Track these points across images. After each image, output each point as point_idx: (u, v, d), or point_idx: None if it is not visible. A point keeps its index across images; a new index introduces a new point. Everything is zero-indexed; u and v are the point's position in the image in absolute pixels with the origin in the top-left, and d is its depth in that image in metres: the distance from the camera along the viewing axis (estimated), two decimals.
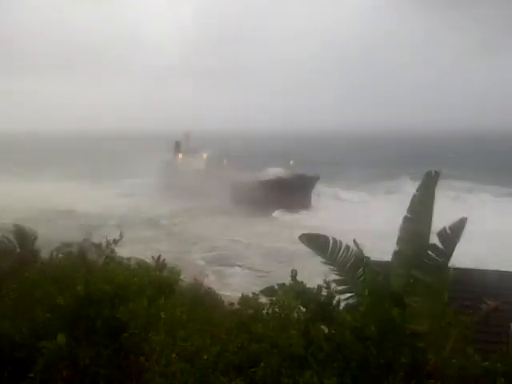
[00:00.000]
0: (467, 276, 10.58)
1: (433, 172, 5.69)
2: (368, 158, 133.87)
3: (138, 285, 5.24)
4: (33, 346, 4.55)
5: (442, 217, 6.09)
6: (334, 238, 5.94)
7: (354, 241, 6.10)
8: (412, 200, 5.67)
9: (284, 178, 69.31)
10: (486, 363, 5.45)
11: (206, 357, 4.64)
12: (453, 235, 5.36)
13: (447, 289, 5.56)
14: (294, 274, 5.47)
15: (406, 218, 5.70)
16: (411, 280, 5.32)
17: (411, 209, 5.66)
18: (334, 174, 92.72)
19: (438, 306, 5.38)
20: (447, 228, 5.40)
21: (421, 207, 5.57)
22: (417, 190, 5.66)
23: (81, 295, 4.93)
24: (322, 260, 5.90)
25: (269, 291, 5.51)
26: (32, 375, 4.24)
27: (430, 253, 5.38)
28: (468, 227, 5.51)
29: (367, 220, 55.42)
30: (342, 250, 5.86)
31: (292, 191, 64.48)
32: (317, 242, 6.03)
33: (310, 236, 6.16)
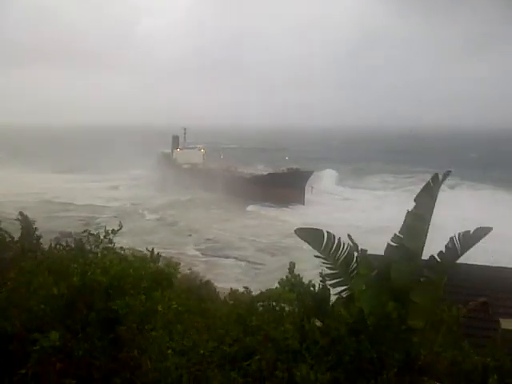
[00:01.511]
0: (457, 270, 10.54)
1: (440, 174, 5.66)
2: (361, 154, 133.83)
3: (133, 276, 5.12)
4: (26, 338, 4.41)
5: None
6: (328, 232, 5.84)
7: (349, 235, 6.01)
8: (417, 196, 5.61)
9: (278, 173, 69.43)
10: (477, 358, 5.39)
11: (202, 351, 4.52)
12: (472, 240, 5.32)
13: (440, 283, 5.50)
14: (291, 267, 5.36)
15: (409, 214, 5.62)
16: (419, 278, 5.22)
17: (416, 205, 5.59)
18: (327, 169, 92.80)
19: (435, 303, 5.31)
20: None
21: (424, 206, 5.51)
22: (423, 189, 5.61)
23: (76, 286, 4.80)
24: (316, 254, 5.79)
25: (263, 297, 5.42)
26: (24, 371, 4.10)
27: (419, 248, 5.32)
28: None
29: (358, 215, 55.44)
30: (335, 244, 5.77)
31: (286, 186, 64.50)
32: (311, 236, 5.94)
33: (305, 230, 6.09)
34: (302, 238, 5.95)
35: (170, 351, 4.28)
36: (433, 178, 5.59)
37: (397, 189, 76.42)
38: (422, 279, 5.24)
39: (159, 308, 4.62)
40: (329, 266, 5.88)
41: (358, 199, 69.41)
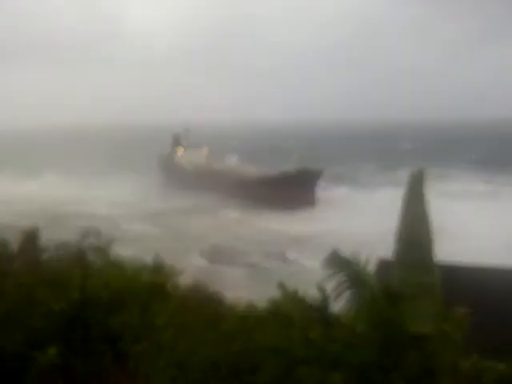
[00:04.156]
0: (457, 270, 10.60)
1: (417, 169, 5.71)
2: (366, 150, 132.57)
3: (134, 289, 5.29)
4: (26, 356, 4.57)
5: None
6: (332, 249, 5.97)
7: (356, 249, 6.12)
8: (402, 199, 5.68)
9: (287, 173, 68.63)
10: (502, 367, 5.46)
11: (200, 362, 4.67)
12: (426, 229, 5.42)
13: (438, 285, 5.57)
14: (281, 286, 5.55)
15: (399, 217, 5.72)
16: (403, 280, 5.37)
17: (402, 207, 5.66)
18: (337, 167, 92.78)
19: (436, 306, 5.42)
20: (418, 223, 5.44)
21: (411, 205, 5.58)
22: (405, 189, 5.67)
23: (76, 301, 4.99)
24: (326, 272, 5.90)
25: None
26: None
27: (416, 252, 5.41)
28: None
29: (372, 217, 54.40)
30: (341, 257, 5.90)
31: (295, 186, 63.70)
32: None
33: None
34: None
35: (162, 364, 4.39)
36: (411, 176, 5.61)
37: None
38: (421, 283, 5.35)
39: (157, 322, 4.76)
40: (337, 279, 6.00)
41: (374, 199, 68.11)
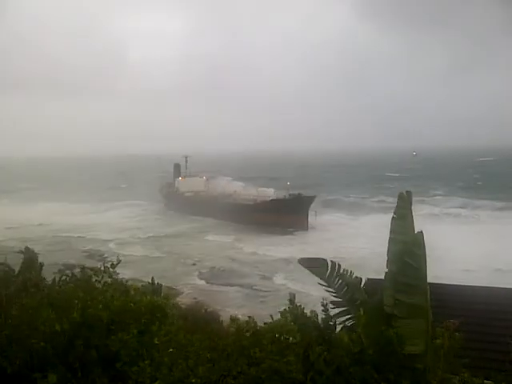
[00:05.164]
0: (443, 291, 10.42)
1: (404, 192, 5.67)
2: (354, 178, 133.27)
3: (134, 311, 5.06)
4: (26, 378, 4.31)
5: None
6: (332, 261, 5.82)
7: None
8: (391, 221, 5.57)
9: (280, 199, 69.15)
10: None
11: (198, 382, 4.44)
12: (419, 251, 5.28)
13: (429, 306, 5.42)
14: (291, 298, 5.32)
15: (390, 239, 5.60)
16: (396, 301, 5.20)
17: (392, 229, 5.56)
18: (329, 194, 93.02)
19: (427, 325, 5.23)
20: (411, 245, 5.31)
21: (400, 227, 5.48)
22: (394, 212, 5.57)
23: (77, 322, 4.74)
24: (321, 282, 5.75)
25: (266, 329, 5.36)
26: None
27: (407, 272, 5.27)
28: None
29: (364, 242, 54.13)
30: (340, 273, 5.73)
31: (288, 211, 64.20)
32: (315, 265, 5.91)
33: (308, 259, 6.08)
34: (305, 268, 5.92)
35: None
36: (400, 198, 5.55)
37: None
38: (396, 302, 5.19)
39: (156, 341, 4.53)
40: (334, 294, 5.84)
41: (363, 225, 67.67)
